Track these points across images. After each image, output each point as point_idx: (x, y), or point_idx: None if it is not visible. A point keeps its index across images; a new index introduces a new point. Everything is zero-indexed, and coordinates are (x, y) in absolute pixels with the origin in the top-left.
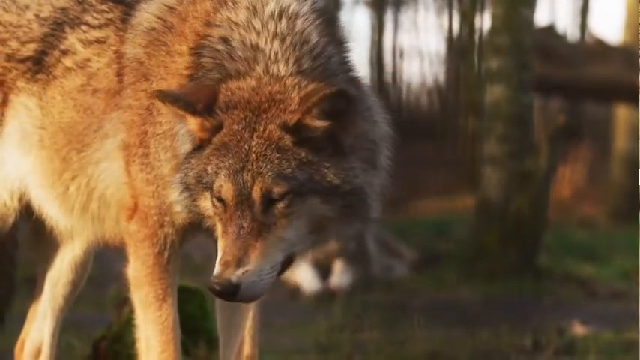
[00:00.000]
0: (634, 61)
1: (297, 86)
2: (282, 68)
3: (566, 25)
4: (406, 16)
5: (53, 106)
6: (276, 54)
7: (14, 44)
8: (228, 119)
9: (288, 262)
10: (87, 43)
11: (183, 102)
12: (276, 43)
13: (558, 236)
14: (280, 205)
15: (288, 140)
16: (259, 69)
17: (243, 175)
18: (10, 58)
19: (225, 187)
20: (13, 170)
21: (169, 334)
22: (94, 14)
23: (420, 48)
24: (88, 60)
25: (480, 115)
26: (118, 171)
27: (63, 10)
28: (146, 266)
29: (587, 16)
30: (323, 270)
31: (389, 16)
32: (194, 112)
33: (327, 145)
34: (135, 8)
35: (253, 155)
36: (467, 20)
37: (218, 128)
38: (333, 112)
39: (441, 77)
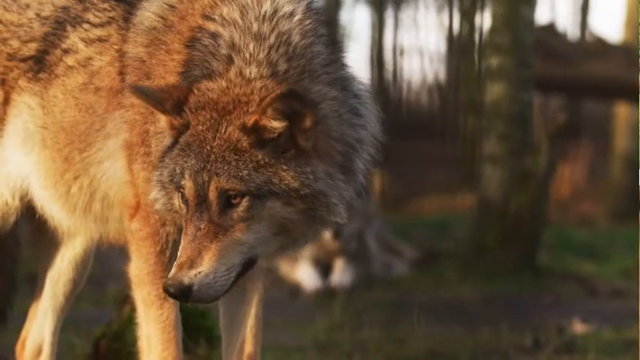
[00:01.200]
0: (634, 59)
1: (263, 89)
2: (254, 71)
3: (567, 24)
4: (406, 14)
5: (55, 105)
6: (251, 55)
7: (15, 43)
8: (195, 120)
9: (250, 264)
10: (89, 42)
11: (153, 99)
12: (253, 45)
13: (558, 234)
14: (239, 209)
15: (245, 142)
16: (233, 70)
17: (203, 175)
18: (11, 57)
19: (187, 186)
20: (16, 169)
21: (171, 333)
22: (96, 12)
23: (421, 46)
24: (90, 58)
25: (480, 113)
26: (120, 170)
27: (64, 8)
28: (148, 265)
29: (588, 14)
30: (323, 268)
31: (389, 15)
32: (163, 110)
33: (288, 148)
34: (137, 7)
35: (213, 156)
36: (467, 18)
37: (185, 128)
38: (288, 112)
39: (442, 75)
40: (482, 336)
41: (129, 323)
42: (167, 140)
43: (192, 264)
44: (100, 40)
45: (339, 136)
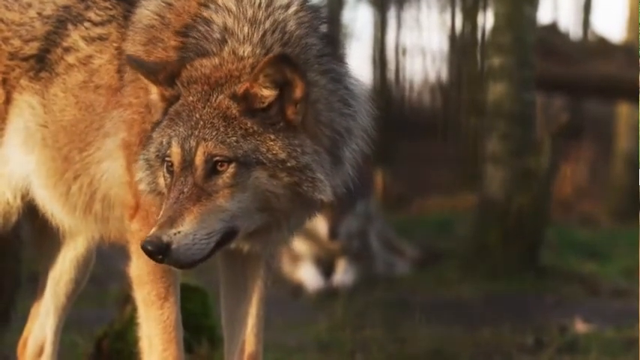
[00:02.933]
0: (636, 59)
1: (255, 63)
2: (247, 50)
3: (569, 23)
4: (409, 13)
5: (55, 104)
6: (245, 37)
7: (17, 42)
8: (186, 92)
9: (230, 236)
10: (89, 40)
11: (146, 68)
12: (248, 27)
13: (560, 234)
14: (224, 175)
15: (235, 109)
16: (226, 49)
17: (190, 140)
18: (12, 56)
19: (174, 151)
20: (17, 168)
21: (171, 333)
22: (97, 11)
23: (423, 46)
24: (91, 57)
25: (482, 113)
26: (119, 170)
27: (65, 7)
28: (148, 265)
29: (590, 13)
30: (325, 268)
31: (391, 14)
32: (155, 81)
33: (278, 120)
34: (136, 5)
35: (202, 123)
36: (469, 18)
37: (175, 99)
38: (279, 80)
39: (444, 75)
40: (484, 336)
41: (131, 323)
42: (156, 115)
43: (172, 223)
44: (100, 38)
45: (328, 122)
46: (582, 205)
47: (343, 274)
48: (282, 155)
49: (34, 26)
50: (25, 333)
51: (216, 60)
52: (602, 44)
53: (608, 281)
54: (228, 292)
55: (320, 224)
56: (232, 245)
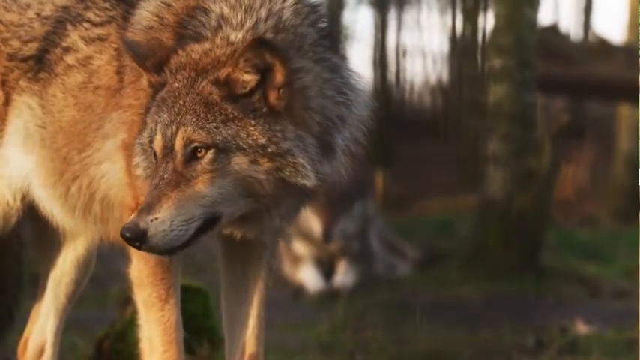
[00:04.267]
0: (637, 60)
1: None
2: (239, 36)
3: (570, 25)
4: (409, 15)
5: (54, 105)
6: (238, 23)
7: (16, 43)
8: (172, 78)
9: (213, 222)
10: (89, 41)
11: (136, 53)
12: (242, 14)
13: (561, 235)
14: (203, 161)
15: (216, 95)
16: (220, 35)
17: (172, 127)
18: (11, 57)
19: (157, 139)
20: (17, 169)
21: (172, 335)
22: (97, 11)
23: (423, 47)
24: (90, 57)
25: (483, 114)
26: (119, 172)
27: (65, 8)
28: (148, 266)
29: (590, 15)
30: (326, 269)
31: (392, 15)
32: (143, 67)
33: (260, 106)
34: (136, 6)
35: (184, 109)
36: (470, 19)
37: (162, 86)
38: (259, 65)
39: (444, 76)
40: (484, 336)
41: (131, 324)
42: (146, 101)
43: (150, 210)
44: (99, 39)
45: (320, 109)
46: (583, 206)
47: (344, 275)
48: (262, 141)
49: (33, 27)
50: (25, 334)
51: (207, 45)
52: (603, 45)
53: (608, 282)
54: (229, 293)
55: (315, 226)
56: (225, 232)
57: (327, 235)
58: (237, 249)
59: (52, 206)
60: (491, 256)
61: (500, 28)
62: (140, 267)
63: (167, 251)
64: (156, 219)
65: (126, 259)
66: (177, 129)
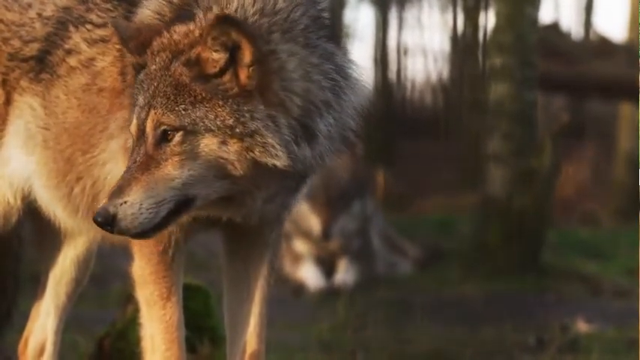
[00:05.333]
0: (637, 58)
1: None
2: None
3: (571, 23)
4: (410, 13)
5: (57, 106)
6: (227, 3)
7: (17, 43)
8: (151, 60)
9: (187, 204)
10: (91, 42)
11: (122, 35)
12: None
13: (562, 234)
14: (172, 144)
15: (187, 76)
16: (209, 16)
17: (145, 109)
18: (12, 57)
19: (132, 122)
20: (18, 170)
21: (174, 333)
22: (98, 13)
23: (424, 46)
24: (93, 59)
25: (484, 112)
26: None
27: (66, 9)
28: (151, 265)
29: (592, 13)
30: (327, 268)
31: (393, 14)
32: (127, 48)
33: (232, 86)
34: (137, 5)
35: (157, 92)
36: (471, 18)
37: (142, 68)
38: (227, 43)
39: (445, 75)
40: (485, 335)
41: (133, 322)
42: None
43: (120, 193)
44: (102, 40)
45: (303, 92)
46: (583, 205)
47: (344, 273)
48: (230, 121)
49: (34, 27)
50: (25, 333)
51: (191, 26)
52: (604, 44)
53: (609, 281)
54: (231, 292)
55: (314, 224)
56: (214, 215)
57: (326, 233)
58: (240, 247)
59: (54, 207)
60: (492, 254)
61: (501, 27)
62: (142, 265)
63: (138, 234)
64: (125, 202)
65: (127, 258)
66: (149, 112)
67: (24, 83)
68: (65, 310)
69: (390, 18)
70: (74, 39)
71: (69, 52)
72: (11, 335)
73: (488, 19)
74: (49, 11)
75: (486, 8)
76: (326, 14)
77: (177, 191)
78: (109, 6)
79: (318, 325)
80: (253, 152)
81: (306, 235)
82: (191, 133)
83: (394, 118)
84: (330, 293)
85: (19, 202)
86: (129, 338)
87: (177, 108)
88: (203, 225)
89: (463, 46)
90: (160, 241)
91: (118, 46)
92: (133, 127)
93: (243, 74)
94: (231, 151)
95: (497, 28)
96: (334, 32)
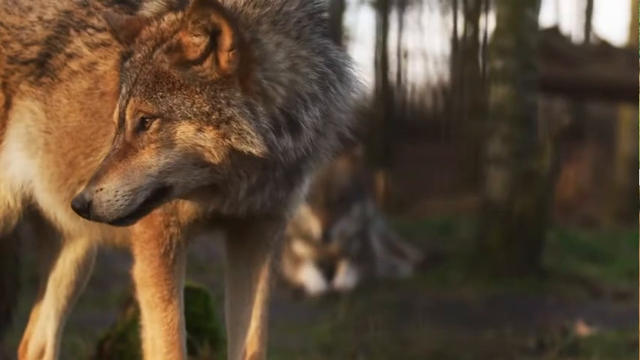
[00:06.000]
0: (638, 61)
1: None
2: None
3: (571, 26)
4: (411, 16)
5: (59, 110)
6: None
7: (17, 46)
8: (137, 50)
9: (164, 192)
10: (93, 46)
11: (112, 26)
12: None
13: (562, 236)
14: (149, 131)
15: (167, 64)
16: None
17: (125, 98)
18: (12, 60)
19: (115, 110)
20: (18, 173)
21: (175, 335)
22: (99, 16)
23: (425, 48)
24: (95, 63)
25: (485, 115)
26: None
27: (67, 12)
28: (152, 267)
29: (592, 16)
30: (327, 270)
31: (393, 17)
32: (117, 39)
33: (212, 72)
34: (138, 8)
35: (138, 80)
36: (471, 21)
37: (129, 56)
38: (208, 27)
39: (446, 78)
40: (486, 338)
41: (133, 325)
42: None
43: (97, 181)
44: (104, 44)
45: (288, 83)
46: (584, 207)
47: (345, 276)
48: (206, 108)
49: (34, 30)
50: (25, 336)
51: (180, 15)
52: (604, 47)
53: (610, 283)
54: (233, 294)
55: (314, 227)
56: (201, 205)
57: (326, 235)
58: (242, 249)
59: (55, 210)
60: (493, 257)
61: (501, 30)
62: (144, 267)
63: (115, 221)
64: (101, 189)
65: (127, 260)
66: (129, 100)
67: (24, 87)
68: (65, 313)
69: (390, 21)
70: (75, 43)
71: (70, 56)
72: (11, 337)
73: (489, 22)
74: (49, 15)
75: (487, 11)
76: (324, 12)
77: (154, 179)
78: (109, 10)
79: (319, 327)
80: (229, 139)
81: (306, 237)
82: (168, 120)
83: (394, 120)
84: (331, 296)
85: (19, 205)
86: (129, 341)
87: (154, 95)
88: (204, 227)
89: (464, 49)
90: (162, 244)
91: (119, 50)
92: (115, 115)
93: (223, 58)
94: (208, 138)
95: (497, 31)
96: (332, 30)
